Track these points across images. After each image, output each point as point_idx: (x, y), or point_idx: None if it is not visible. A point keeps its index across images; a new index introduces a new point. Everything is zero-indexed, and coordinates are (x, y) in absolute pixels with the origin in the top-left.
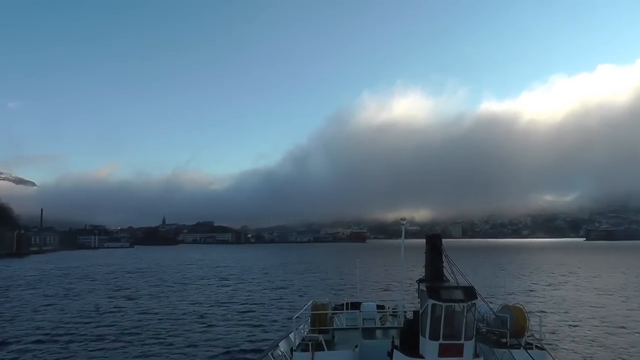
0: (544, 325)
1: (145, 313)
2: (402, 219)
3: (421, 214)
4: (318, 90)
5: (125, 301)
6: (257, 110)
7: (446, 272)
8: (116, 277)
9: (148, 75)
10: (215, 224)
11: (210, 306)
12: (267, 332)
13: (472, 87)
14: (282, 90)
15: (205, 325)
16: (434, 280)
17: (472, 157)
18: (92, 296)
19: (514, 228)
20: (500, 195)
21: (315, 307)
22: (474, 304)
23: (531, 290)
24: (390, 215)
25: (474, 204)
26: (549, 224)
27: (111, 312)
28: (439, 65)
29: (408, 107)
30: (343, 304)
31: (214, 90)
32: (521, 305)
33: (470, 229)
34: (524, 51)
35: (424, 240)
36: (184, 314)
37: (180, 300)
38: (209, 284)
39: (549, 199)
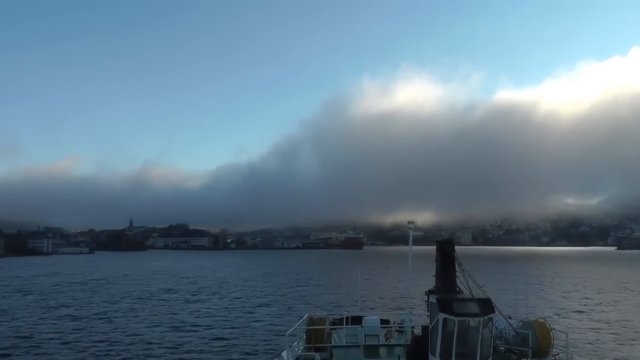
0: (571, 344)
1: (88, 338)
2: (409, 222)
3: (424, 218)
4: (311, 74)
5: (66, 321)
6: (240, 95)
7: (459, 282)
8: (63, 290)
9: (114, 56)
10: (190, 227)
11: (176, 328)
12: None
13: (487, 72)
14: (269, 74)
15: (167, 354)
16: (445, 291)
17: (483, 152)
18: (23, 315)
19: (531, 234)
20: (515, 196)
21: (311, 321)
22: (491, 318)
23: (558, 306)
24: (389, 219)
25: (485, 206)
26: (572, 230)
27: (44, 336)
28: (450, 47)
29: (413, 94)
30: (342, 319)
31: (190, 74)
32: (545, 320)
33: (481, 235)
34: (548, 32)
35: (429, 246)
36: (139, 339)
37: (138, 321)
38: (177, 299)
39: (572, 202)
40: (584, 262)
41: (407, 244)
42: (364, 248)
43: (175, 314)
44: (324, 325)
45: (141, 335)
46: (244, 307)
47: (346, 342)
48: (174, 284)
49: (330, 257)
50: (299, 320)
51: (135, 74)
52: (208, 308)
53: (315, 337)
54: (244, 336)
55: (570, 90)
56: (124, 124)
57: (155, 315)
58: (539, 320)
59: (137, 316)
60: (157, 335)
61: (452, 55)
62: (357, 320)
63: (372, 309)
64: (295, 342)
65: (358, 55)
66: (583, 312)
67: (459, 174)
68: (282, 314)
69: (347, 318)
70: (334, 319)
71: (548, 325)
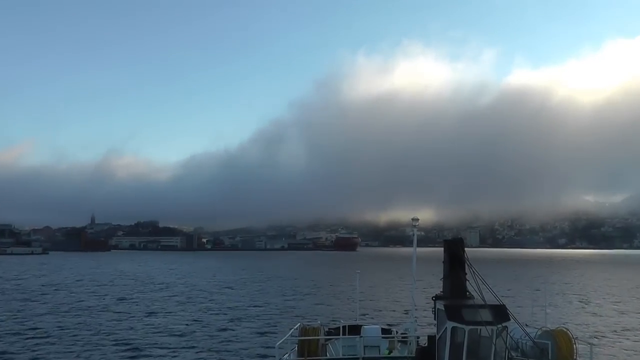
0: (596, 356)
1: None
2: (413, 219)
3: (424, 216)
4: (301, 50)
5: None
6: (217, 73)
7: (470, 286)
8: None
9: (76, 28)
10: (160, 225)
11: (132, 349)
12: None
13: (501, 50)
14: (252, 49)
15: None
16: (454, 296)
17: (493, 141)
18: None
19: (546, 236)
20: (528, 193)
21: (303, 331)
22: (506, 327)
23: (581, 314)
24: (383, 217)
25: (494, 203)
26: (593, 231)
27: None
28: (459, 20)
29: (415, 73)
30: (339, 328)
31: (159, 51)
32: (566, 329)
33: (490, 236)
34: (574, 4)
35: (430, 248)
36: None
37: (84, 339)
38: (137, 311)
39: (591, 200)
40: (609, 266)
41: (405, 245)
42: (357, 249)
43: (133, 329)
44: (317, 336)
45: (87, 358)
46: (221, 319)
47: (343, 355)
48: (136, 292)
49: (321, 259)
50: (290, 330)
51: (99, 50)
52: (175, 322)
53: (309, 349)
54: (221, 354)
55: (594, 72)
56: (85, 106)
57: (108, 332)
58: (560, 329)
59: (84, 332)
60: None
61: (461, 29)
62: (355, 329)
63: (372, 315)
64: (286, 355)
65: (354, 30)
66: (610, 322)
67: (464, 166)
68: (268, 326)
69: (343, 327)
70: (329, 329)
71: (570, 335)
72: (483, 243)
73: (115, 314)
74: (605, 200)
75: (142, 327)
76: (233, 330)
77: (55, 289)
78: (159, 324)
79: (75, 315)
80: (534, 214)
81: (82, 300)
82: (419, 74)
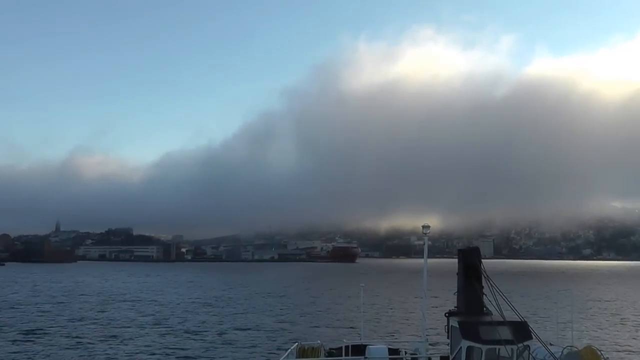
0: None
1: None
2: (424, 227)
3: (429, 223)
4: (296, 34)
5: None
6: (199, 63)
7: (487, 301)
8: None
9: (34, 15)
10: (134, 233)
11: None
12: None
13: (521, 36)
14: (240, 31)
15: None
16: (470, 313)
17: (508, 137)
18: None
19: (569, 245)
20: (548, 197)
21: (301, 352)
22: (528, 346)
23: (612, 332)
24: (384, 224)
25: (509, 209)
26: (621, 240)
27: None
28: (475, 2)
29: (423, 61)
30: (341, 348)
31: (135, 38)
32: (595, 348)
33: (505, 246)
34: None
35: (438, 259)
36: None
37: None
38: (96, 334)
39: (619, 206)
40: None
41: (410, 256)
42: (357, 261)
43: (90, 357)
44: (317, 357)
45: None
46: (204, 344)
47: None
48: (99, 311)
49: (316, 272)
50: (287, 351)
51: (64, 36)
52: (145, 349)
53: None
54: None
55: (623, 62)
56: (49, 97)
57: None
58: (588, 347)
59: None
60: None
61: (476, 12)
62: (359, 349)
63: (377, 333)
64: None
65: (355, 12)
66: None
67: (475, 167)
68: (260, 348)
69: (346, 347)
70: (330, 349)
71: (599, 355)
72: (498, 254)
73: (71, 339)
74: (634, 207)
75: (103, 356)
76: (217, 356)
77: (2, 306)
78: (125, 351)
79: (19, 340)
80: (554, 221)
81: (31, 321)
82: (427, 61)
